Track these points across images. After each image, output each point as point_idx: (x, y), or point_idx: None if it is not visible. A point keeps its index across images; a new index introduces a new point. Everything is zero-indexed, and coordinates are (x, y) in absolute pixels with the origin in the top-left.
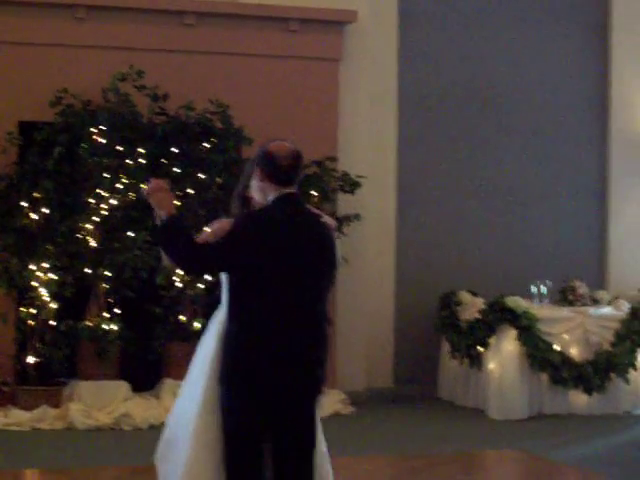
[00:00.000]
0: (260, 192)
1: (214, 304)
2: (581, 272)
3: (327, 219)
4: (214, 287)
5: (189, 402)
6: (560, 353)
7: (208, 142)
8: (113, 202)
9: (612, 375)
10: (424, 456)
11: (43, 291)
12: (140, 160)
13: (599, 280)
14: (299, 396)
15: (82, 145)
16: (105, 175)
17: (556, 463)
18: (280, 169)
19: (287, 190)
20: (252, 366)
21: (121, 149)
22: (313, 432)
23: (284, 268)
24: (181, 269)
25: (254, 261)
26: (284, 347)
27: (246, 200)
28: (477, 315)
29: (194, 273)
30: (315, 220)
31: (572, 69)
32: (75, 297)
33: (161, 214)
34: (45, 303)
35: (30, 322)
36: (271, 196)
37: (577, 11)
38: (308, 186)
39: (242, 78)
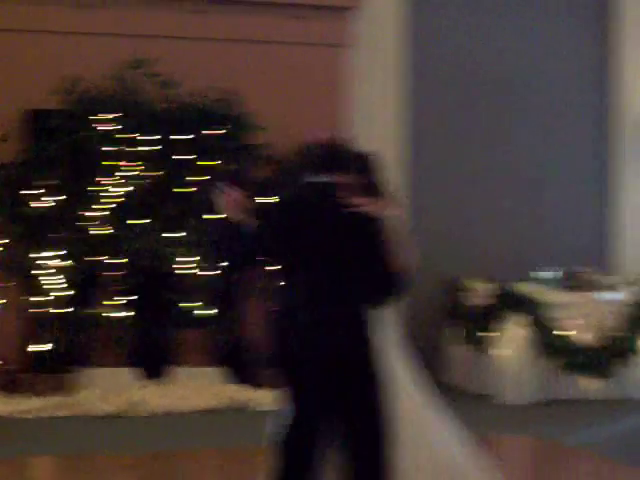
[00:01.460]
0: None
1: (226, 290)
2: (588, 257)
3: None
4: (227, 273)
5: None
6: (569, 338)
7: (217, 129)
8: (124, 189)
9: (623, 360)
10: None
11: (56, 279)
12: (152, 148)
13: (606, 265)
14: (337, 380)
15: (93, 133)
16: (113, 163)
17: (567, 448)
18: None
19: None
20: (281, 350)
21: (133, 137)
22: (369, 417)
23: (303, 250)
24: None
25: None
26: (306, 328)
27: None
28: (485, 301)
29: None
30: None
31: (576, 56)
32: (86, 285)
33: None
34: (58, 291)
35: (43, 310)
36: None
37: None
38: None
39: (252, 65)
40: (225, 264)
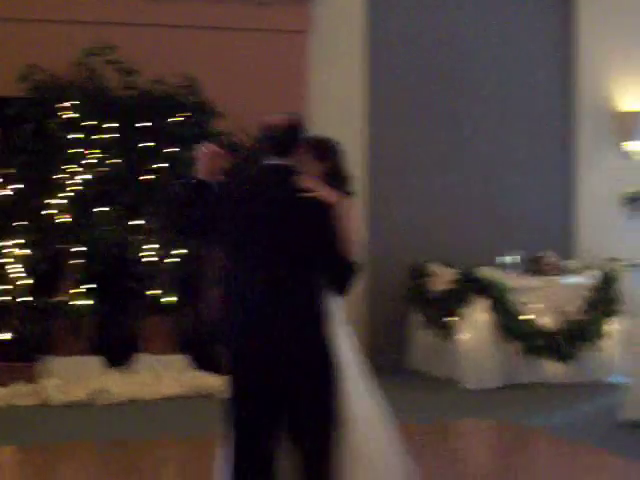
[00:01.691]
0: None
1: (188, 278)
2: (550, 242)
3: (328, 196)
4: (188, 261)
5: None
6: (532, 322)
7: (178, 116)
8: (85, 177)
9: (584, 343)
10: (400, 426)
11: (17, 267)
12: (110, 135)
13: (568, 250)
14: (278, 371)
15: (53, 120)
16: (75, 150)
17: (531, 430)
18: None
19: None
20: (226, 336)
21: (92, 124)
22: (315, 409)
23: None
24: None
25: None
26: (245, 316)
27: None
28: (448, 286)
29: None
30: (290, 188)
31: (539, 45)
32: (48, 273)
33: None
34: (19, 279)
35: (3, 298)
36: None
37: None
38: None
39: (211, 52)
40: (184, 251)
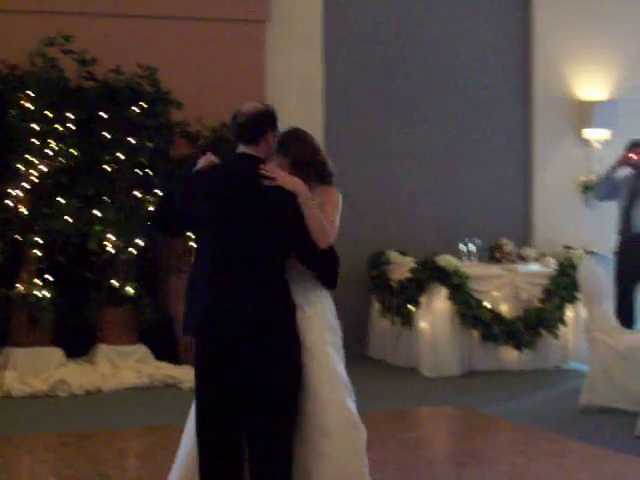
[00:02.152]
0: None
1: (146, 268)
2: (508, 231)
3: (290, 184)
4: (146, 251)
5: None
6: (490, 310)
7: (137, 106)
8: (43, 168)
9: (541, 331)
10: (361, 414)
11: None
12: (69, 125)
13: (525, 238)
14: (239, 361)
15: (10, 111)
16: (34, 141)
17: (490, 417)
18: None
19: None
20: (189, 322)
21: (50, 114)
22: (272, 401)
23: (210, 223)
24: None
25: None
26: (210, 303)
27: None
28: (407, 274)
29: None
30: (253, 178)
31: (495, 30)
32: (6, 264)
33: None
34: None
35: None
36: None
37: None
38: (237, 148)
39: (170, 41)
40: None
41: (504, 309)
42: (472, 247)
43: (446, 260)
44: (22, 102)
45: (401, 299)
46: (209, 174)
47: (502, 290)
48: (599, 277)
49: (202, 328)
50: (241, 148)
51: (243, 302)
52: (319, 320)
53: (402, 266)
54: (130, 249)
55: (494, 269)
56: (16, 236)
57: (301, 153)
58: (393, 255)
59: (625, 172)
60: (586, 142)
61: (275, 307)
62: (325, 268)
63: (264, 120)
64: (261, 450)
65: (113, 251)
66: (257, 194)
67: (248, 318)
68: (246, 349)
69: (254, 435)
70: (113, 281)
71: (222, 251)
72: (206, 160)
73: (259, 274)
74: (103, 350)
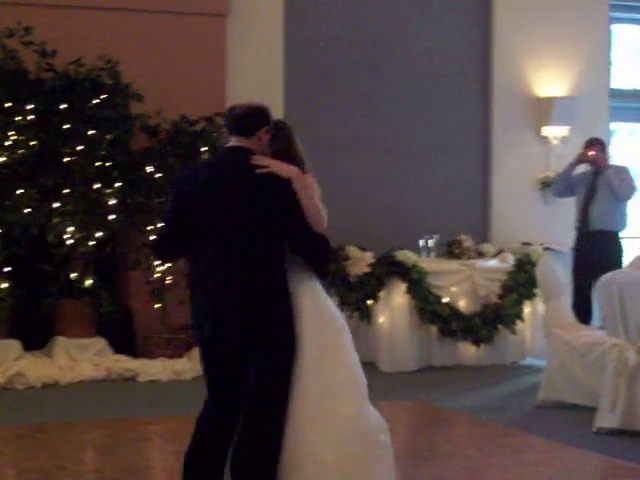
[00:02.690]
0: None
1: (105, 261)
2: (467, 227)
3: (284, 170)
4: (105, 244)
5: None
6: (449, 305)
7: (98, 98)
8: (3, 159)
9: (499, 326)
10: None
11: None
12: (29, 117)
13: (484, 234)
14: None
15: None
16: None
17: (448, 412)
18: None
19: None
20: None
21: (9, 106)
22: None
23: (201, 220)
24: None
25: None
26: (205, 300)
27: None
28: (366, 269)
29: None
30: (247, 171)
31: (455, 25)
32: None
33: None
34: None
35: None
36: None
37: None
38: (197, 142)
39: (130, 34)
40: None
41: (462, 304)
42: (431, 242)
43: (405, 255)
44: None
45: (360, 294)
46: (199, 170)
47: (460, 286)
48: (557, 273)
49: (203, 327)
50: (233, 141)
51: (243, 299)
52: (318, 311)
53: (361, 261)
54: (89, 242)
55: (453, 265)
56: None
57: (288, 146)
58: (352, 250)
59: (583, 169)
60: (544, 139)
61: (275, 303)
62: (319, 254)
63: (260, 115)
64: (249, 434)
65: (71, 242)
66: (251, 183)
67: (249, 314)
68: (246, 345)
69: (246, 420)
70: (72, 274)
71: (220, 246)
72: None
73: (258, 268)
74: (61, 343)
